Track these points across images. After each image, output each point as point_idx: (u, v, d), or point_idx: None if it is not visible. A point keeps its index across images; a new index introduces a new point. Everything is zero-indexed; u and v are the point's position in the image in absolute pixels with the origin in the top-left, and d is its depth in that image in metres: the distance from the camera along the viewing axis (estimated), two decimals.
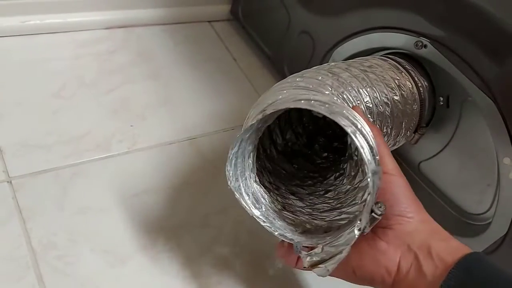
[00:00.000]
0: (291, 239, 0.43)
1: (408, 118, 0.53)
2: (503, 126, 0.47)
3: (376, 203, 0.38)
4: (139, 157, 0.59)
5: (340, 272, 0.42)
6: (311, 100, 0.38)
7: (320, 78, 0.45)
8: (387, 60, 0.54)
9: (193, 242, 0.53)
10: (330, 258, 0.40)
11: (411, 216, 0.40)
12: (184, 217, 0.55)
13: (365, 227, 0.38)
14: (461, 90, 0.51)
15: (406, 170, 0.63)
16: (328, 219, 0.45)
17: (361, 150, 0.36)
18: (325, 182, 0.51)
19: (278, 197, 0.47)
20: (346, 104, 0.44)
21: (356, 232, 0.38)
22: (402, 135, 0.53)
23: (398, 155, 0.64)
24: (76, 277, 0.47)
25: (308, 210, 0.47)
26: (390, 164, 0.42)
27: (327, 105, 0.38)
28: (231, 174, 0.42)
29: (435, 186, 0.61)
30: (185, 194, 0.57)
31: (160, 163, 0.59)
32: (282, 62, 0.71)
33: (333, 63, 0.50)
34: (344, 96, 0.45)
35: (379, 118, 0.48)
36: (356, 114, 0.39)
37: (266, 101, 0.42)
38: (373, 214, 0.38)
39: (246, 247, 0.54)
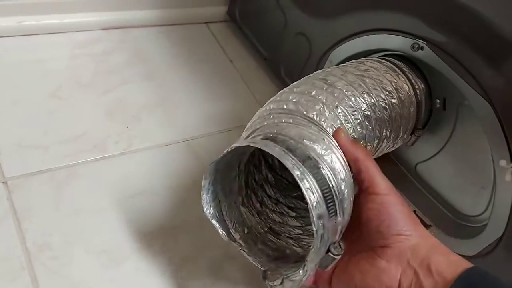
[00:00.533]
0: (261, 266, 0.44)
1: (405, 121, 0.53)
2: (499, 129, 0.47)
3: (334, 242, 0.39)
4: (135, 158, 0.58)
5: None
6: (269, 139, 0.39)
7: (313, 93, 0.45)
8: (384, 63, 0.54)
9: (189, 244, 0.53)
10: None
11: (409, 233, 0.40)
12: (180, 218, 0.54)
13: (315, 267, 0.39)
14: (457, 92, 0.51)
15: (403, 171, 0.64)
16: (307, 246, 0.45)
17: (305, 193, 0.36)
18: None
19: (270, 216, 0.47)
20: (327, 129, 0.43)
21: (300, 273, 0.39)
22: (399, 137, 0.54)
23: (395, 157, 0.64)
24: (70, 278, 0.46)
25: (298, 231, 0.47)
26: (382, 184, 0.41)
27: (290, 141, 0.38)
28: (207, 201, 0.43)
29: (432, 188, 0.61)
30: (181, 196, 0.57)
31: (156, 164, 0.59)
32: (278, 64, 0.71)
33: (328, 69, 0.50)
34: (338, 111, 0.45)
35: (378, 123, 0.48)
36: (319, 148, 0.39)
37: (252, 126, 0.44)
38: (329, 253, 0.39)
39: None
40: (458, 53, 0.49)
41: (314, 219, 0.36)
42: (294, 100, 0.44)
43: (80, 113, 0.61)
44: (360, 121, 0.46)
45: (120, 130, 0.60)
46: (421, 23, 0.51)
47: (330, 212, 0.37)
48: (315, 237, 0.37)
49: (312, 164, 0.38)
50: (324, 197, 0.37)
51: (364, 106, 0.47)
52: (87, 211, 0.52)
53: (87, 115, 0.61)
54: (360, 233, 0.42)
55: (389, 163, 0.65)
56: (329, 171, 0.38)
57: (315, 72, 0.51)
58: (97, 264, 0.48)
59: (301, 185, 0.36)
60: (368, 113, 0.47)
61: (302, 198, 0.48)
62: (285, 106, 0.44)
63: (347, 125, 0.45)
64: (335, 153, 0.40)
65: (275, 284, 0.42)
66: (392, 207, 0.41)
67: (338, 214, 0.38)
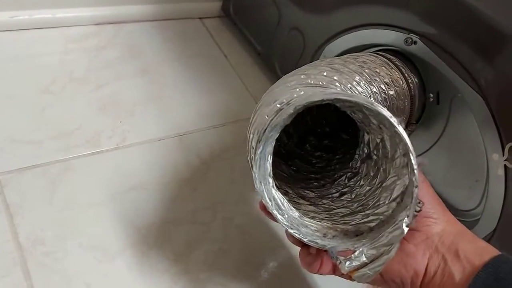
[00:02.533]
0: (323, 245, 0.40)
1: (400, 114, 0.53)
2: (492, 122, 0.47)
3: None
4: (128, 153, 0.58)
5: None
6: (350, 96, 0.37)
7: (325, 74, 0.44)
8: (378, 57, 0.54)
9: (182, 239, 0.53)
10: (372, 261, 0.39)
11: (437, 217, 0.40)
12: (173, 213, 0.54)
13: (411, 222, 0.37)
14: (450, 86, 0.51)
15: None
16: (353, 222, 0.43)
17: (407, 142, 0.36)
18: (336, 183, 0.49)
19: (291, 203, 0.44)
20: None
21: (405, 229, 0.37)
22: None
23: None
24: (64, 273, 0.46)
25: (325, 215, 0.44)
26: None
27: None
28: (256, 177, 0.38)
29: None
30: (175, 191, 0.56)
31: (149, 159, 0.59)
32: (272, 59, 0.71)
33: (328, 59, 0.50)
34: (353, 91, 0.44)
35: None
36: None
37: (281, 98, 0.39)
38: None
39: (235, 243, 0.54)
40: (451, 47, 0.49)
41: (415, 167, 0.36)
42: (310, 80, 0.43)
43: (73, 108, 0.60)
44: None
45: (113, 125, 0.60)
46: (414, 17, 0.51)
47: None
48: (417, 186, 0.36)
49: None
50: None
51: (370, 92, 0.46)
52: (81, 206, 0.52)
53: (80, 110, 0.60)
54: None
55: None
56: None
57: (314, 62, 0.50)
58: (91, 259, 0.48)
59: (400, 132, 0.36)
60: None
61: (308, 188, 0.48)
62: (306, 83, 0.43)
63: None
64: None
65: (355, 256, 0.40)
66: (421, 190, 0.41)
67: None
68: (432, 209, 0.41)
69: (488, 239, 0.51)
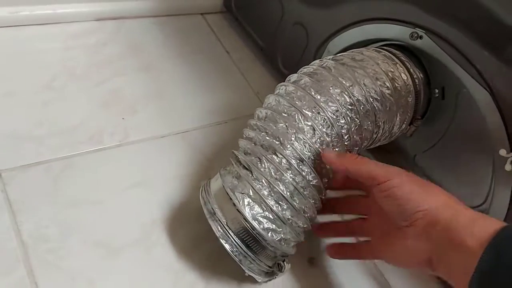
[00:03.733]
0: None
1: (402, 111, 0.52)
2: (499, 118, 0.47)
3: None
4: (131, 150, 0.58)
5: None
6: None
7: (298, 103, 0.47)
8: (382, 52, 0.53)
9: (186, 236, 0.52)
10: None
11: (426, 207, 0.40)
12: (177, 210, 0.54)
13: None
14: (456, 81, 0.51)
15: (401, 163, 0.63)
16: None
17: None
18: None
19: None
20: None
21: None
22: (397, 127, 0.53)
23: (393, 147, 0.64)
24: (67, 270, 0.46)
25: None
26: (380, 172, 0.43)
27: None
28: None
29: (431, 178, 0.61)
30: (178, 188, 0.56)
31: (152, 156, 0.58)
32: (275, 54, 0.71)
33: (323, 61, 0.51)
34: (321, 115, 0.46)
35: (367, 115, 0.48)
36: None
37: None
38: None
39: None
40: (457, 42, 0.49)
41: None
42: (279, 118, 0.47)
43: (75, 104, 0.60)
44: (343, 115, 0.47)
45: (115, 121, 0.60)
46: (420, 11, 0.51)
47: None
48: None
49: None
50: None
51: (349, 100, 0.47)
52: (84, 202, 0.51)
53: (82, 107, 0.60)
54: (388, 222, 0.44)
55: (388, 155, 0.64)
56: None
57: (309, 64, 0.51)
58: (94, 256, 0.48)
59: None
60: (355, 107, 0.47)
61: None
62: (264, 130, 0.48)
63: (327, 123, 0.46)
64: None
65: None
66: (398, 189, 0.41)
67: None
68: (418, 202, 0.41)
69: None
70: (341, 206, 0.54)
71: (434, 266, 0.40)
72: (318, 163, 0.46)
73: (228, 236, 0.46)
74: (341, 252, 0.53)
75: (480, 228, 0.37)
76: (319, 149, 0.46)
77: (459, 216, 0.39)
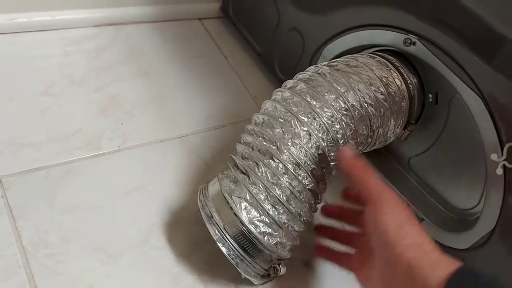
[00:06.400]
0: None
1: (396, 116, 0.53)
2: (491, 122, 0.48)
3: None
4: (129, 155, 0.58)
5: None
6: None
7: (294, 109, 0.48)
8: (376, 58, 0.54)
9: (184, 239, 0.53)
10: None
11: (400, 244, 0.40)
12: (175, 214, 0.55)
13: None
14: (449, 87, 0.51)
15: (396, 166, 0.64)
16: None
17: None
18: None
19: None
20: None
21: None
22: (391, 132, 0.54)
23: (388, 151, 0.65)
24: (67, 275, 0.47)
25: None
26: (375, 191, 0.43)
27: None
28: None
29: (424, 182, 0.62)
30: (177, 192, 0.57)
31: (151, 161, 0.59)
32: (272, 59, 0.71)
33: (318, 67, 0.52)
34: (317, 121, 0.47)
35: (362, 120, 0.49)
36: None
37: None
38: None
39: None
40: (450, 48, 0.49)
41: None
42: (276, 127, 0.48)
43: (73, 110, 0.60)
44: (339, 120, 0.47)
45: (114, 127, 0.60)
46: (413, 18, 0.52)
47: None
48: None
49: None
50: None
51: (343, 105, 0.48)
52: (83, 208, 0.52)
53: (80, 112, 0.61)
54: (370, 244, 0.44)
55: (382, 158, 0.65)
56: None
57: (305, 70, 0.52)
58: (93, 261, 0.48)
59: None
60: (350, 113, 0.48)
61: None
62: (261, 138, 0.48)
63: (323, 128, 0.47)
64: None
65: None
66: (382, 216, 0.42)
67: None
68: (390, 234, 0.40)
69: (487, 238, 0.52)
70: (347, 216, 0.54)
71: None
72: (314, 168, 0.47)
73: (225, 240, 0.47)
74: (326, 254, 0.54)
75: (442, 269, 0.37)
76: (315, 154, 0.47)
77: (424, 258, 0.39)
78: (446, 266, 0.37)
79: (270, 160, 0.46)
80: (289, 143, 0.47)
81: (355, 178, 0.45)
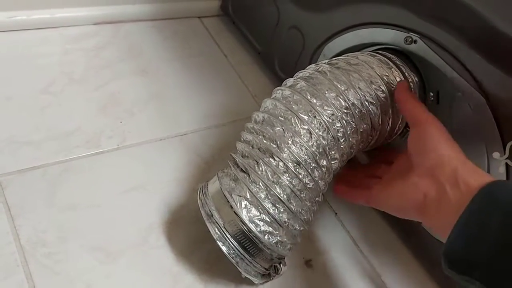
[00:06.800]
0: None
1: (397, 114, 0.53)
2: (493, 121, 0.48)
3: None
4: (129, 154, 0.58)
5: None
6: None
7: (294, 107, 0.47)
8: (376, 56, 0.54)
9: (184, 238, 0.53)
10: None
11: (440, 153, 0.44)
12: (175, 213, 0.54)
13: None
14: (451, 85, 0.51)
15: None
16: None
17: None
18: None
19: None
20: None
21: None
22: (392, 130, 0.54)
23: None
24: (66, 274, 0.46)
25: None
26: (422, 116, 0.47)
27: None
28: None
29: None
30: (176, 190, 0.56)
31: (150, 159, 0.59)
32: (272, 58, 0.71)
33: (319, 65, 0.51)
34: (317, 119, 0.47)
35: (364, 118, 0.49)
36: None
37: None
38: None
39: None
40: (451, 46, 0.49)
41: None
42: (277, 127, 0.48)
43: (72, 108, 0.60)
44: (339, 119, 0.47)
45: (113, 125, 0.60)
46: (414, 16, 0.51)
47: None
48: None
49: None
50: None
51: (344, 103, 0.48)
52: (81, 207, 0.52)
53: (80, 111, 0.60)
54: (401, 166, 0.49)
55: None
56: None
57: (305, 69, 0.52)
58: (92, 260, 0.48)
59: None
60: (350, 110, 0.48)
61: None
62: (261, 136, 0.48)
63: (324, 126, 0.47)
64: None
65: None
66: (427, 134, 0.45)
67: None
68: (438, 147, 0.44)
69: None
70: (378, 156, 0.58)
71: (426, 207, 0.42)
72: (314, 166, 0.47)
73: (225, 239, 0.46)
74: (343, 189, 0.55)
75: (482, 176, 0.41)
76: (315, 152, 0.46)
77: (466, 164, 0.43)
78: (486, 174, 0.42)
79: (271, 159, 0.46)
80: (290, 142, 0.46)
81: (401, 104, 0.50)
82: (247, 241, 0.46)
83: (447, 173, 0.42)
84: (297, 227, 0.47)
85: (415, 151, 0.46)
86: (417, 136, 0.46)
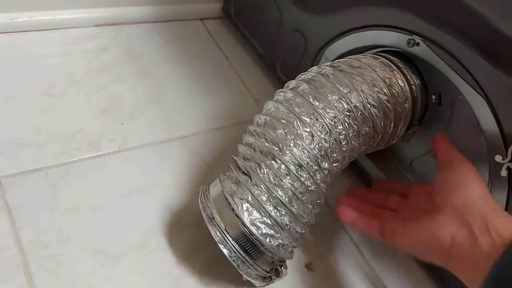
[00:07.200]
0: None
1: (400, 117, 0.53)
2: (495, 124, 0.47)
3: None
4: (130, 156, 0.58)
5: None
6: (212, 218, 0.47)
7: (297, 109, 0.47)
8: (379, 59, 0.54)
9: (185, 241, 0.52)
10: None
11: (469, 193, 0.43)
12: (176, 215, 0.54)
13: None
14: (453, 88, 0.51)
15: (399, 167, 0.64)
16: None
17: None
18: None
19: None
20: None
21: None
22: (394, 133, 0.54)
23: (391, 152, 0.64)
24: (66, 277, 0.46)
25: None
26: (453, 154, 0.48)
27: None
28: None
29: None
30: (177, 193, 0.56)
31: (151, 162, 0.59)
32: (274, 61, 0.71)
33: (321, 68, 0.51)
34: (319, 121, 0.47)
35: (366, 120, 0.49)
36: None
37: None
38: None
39: None
40: (454, 49, 0.49)
41: None
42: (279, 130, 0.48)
43: (74, 110, 0.60)
44: (341, 121, 0.47)
45: (114, 127, 0.60)
46: (416, 19, 0.51)
47: None
48: None
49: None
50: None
51: (346, 106, 0.48)
52: (82, 209, 0.51)
53: (81, 113, 0.60)
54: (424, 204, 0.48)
55: (385, 159, 0.65)
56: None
57: (307, 71, 0.51)
58: (93, 262, 0.48)
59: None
60: (352, 113, 0.48)
61: None
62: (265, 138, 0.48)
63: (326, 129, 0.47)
64: None
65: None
66: (456, 175, 0.45)
67: None
68: (466, 188, 0.43)
69: None
70: (383, 185, 0.57)
71: (452, 250, 0.41)
72: (316, 169, 0.47)
73: (227, 241, 0.46)
74: (351, 214, 0.52)
75: (510, 223, 0.40)
76: (318, 155, 0.46)
77: (497, 210, 0.42)
78: None
79: (272, 161, 0.46)
80: (292, 144, 0.46)
81: (440, 148, 0.50)
82: (249, 244, 0.46)
83: (476, 216, 0.41)
84: (298, 230, 0.47)
85: (443, 189, 0.45)
86: (448, 174, 0.46)
